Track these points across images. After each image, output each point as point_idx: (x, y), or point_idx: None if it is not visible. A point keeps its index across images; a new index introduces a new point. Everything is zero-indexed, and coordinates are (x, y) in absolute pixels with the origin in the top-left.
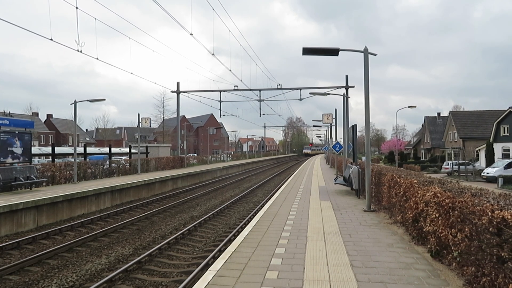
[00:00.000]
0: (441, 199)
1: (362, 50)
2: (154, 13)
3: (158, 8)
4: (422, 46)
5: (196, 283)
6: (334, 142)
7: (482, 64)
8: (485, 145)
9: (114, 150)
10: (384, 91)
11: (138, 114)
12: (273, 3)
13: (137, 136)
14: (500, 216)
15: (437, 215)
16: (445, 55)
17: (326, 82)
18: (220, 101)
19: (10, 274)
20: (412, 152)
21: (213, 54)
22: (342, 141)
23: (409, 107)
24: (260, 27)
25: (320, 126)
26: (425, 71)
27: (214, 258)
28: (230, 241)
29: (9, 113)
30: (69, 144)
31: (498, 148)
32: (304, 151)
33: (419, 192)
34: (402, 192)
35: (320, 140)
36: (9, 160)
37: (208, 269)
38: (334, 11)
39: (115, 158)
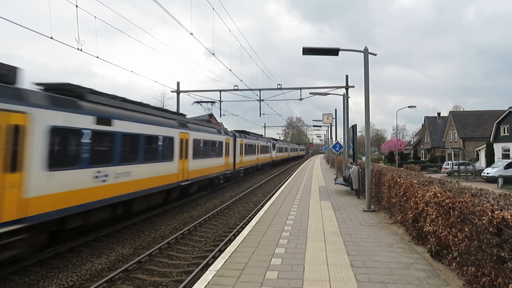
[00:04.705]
0: (441, 199)
1: (362, 50)
2: (151, 14)
3: (154, 9)
4: (417, 46)
5: (196, 283)
6: (334, 142)
7: (479, 64)
8: (485, 145)
9: None
10: (382, 91)
11: None
12: (268, 3)
13: None
14: (500, 216)
15: (437, 215)
16: (441, 56)
17: (324, 82)
18: (220, 101)
19: (10, 274)
20: (412, 152)
21: (213, 54)
22: (342, 141)
23: (409, 107)
24: (256, 28)
25: (320, 126)
26: (422, 72)
27: (214, 258)
28: (230, 241)
29: None
30: None
31: (498, 148)
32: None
33: (419, 192)
34: (402, 192)
35: (320, 140)
36: None
37: (208, 269)
38: (327, 12)
39: None
